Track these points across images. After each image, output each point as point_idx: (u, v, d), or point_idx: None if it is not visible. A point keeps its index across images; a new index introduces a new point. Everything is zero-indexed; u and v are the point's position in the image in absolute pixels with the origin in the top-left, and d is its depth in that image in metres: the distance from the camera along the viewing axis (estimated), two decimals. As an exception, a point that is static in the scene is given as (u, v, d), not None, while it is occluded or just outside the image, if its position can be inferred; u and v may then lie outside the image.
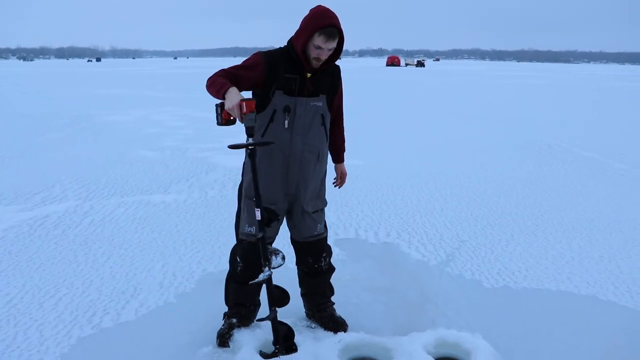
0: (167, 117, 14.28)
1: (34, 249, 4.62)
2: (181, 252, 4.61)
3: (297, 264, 3.32)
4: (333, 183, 3.36)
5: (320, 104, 2.95)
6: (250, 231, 2.99)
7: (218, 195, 6.43)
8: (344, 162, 3.39)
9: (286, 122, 2.87)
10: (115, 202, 6.08)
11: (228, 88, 2.67)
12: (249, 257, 3.05)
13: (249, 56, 2.94)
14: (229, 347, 3.08)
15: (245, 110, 2.60)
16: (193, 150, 9.33)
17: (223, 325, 3.21)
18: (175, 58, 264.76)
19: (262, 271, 2.79)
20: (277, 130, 2.89)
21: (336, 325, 3.28)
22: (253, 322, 3.24)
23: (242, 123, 2.66)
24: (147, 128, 12.13)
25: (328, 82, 2.99)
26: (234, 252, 3.16)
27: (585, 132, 12.21)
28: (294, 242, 3.23)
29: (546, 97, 22.40)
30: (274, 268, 2.79)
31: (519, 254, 4.68)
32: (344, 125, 3.28)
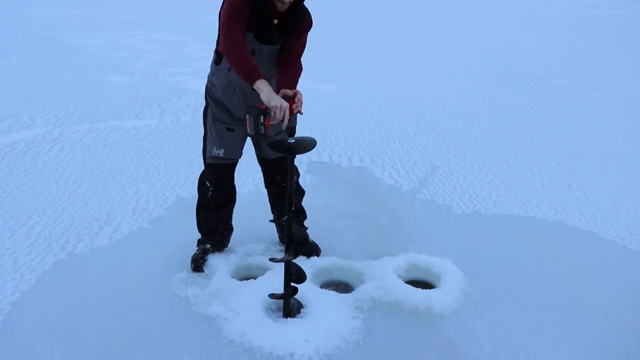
0: (137, 40, 13.79)
1: (2, 176, 4.54)
2: (154, 178, 4.57)
3: (266, 186, 3.29)
4: None
5: (278, 46, 2.82)
6: (218, 154, 2.96)
7: (190, 120, 6.33)
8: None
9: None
10: (86, 128, 5.96)
11: (259, 79, 2.52)
12: (219, 181, 3.07)
13: None
14: (203, 272, 3.12)
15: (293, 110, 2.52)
16: (164, 75, 9.09)
17: (197, 250, 3.25)
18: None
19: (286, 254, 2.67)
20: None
21: (310, 249, 3.33)
22: (227, 246, 3.29)
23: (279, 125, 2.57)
24: (117, 51, 11.72)
25: (292, 26, 2.78)
26: (202, 179, 3.14)
27: (560, 60, 12.18)
28: (261, 161, 3.17)
29: (520, 24, 22.17)
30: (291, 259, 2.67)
31: (490, 180, 4.76)
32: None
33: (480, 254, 3.49)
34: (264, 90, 2.50)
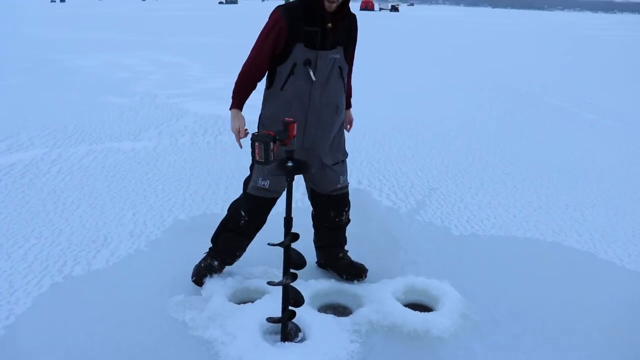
0: (137, 61, 13.89)
1: (0, 198, 4.53)
2: (152, 200, 4.57)
3: (315, 218, 3.29)
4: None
5: (338, 55, 2.87)
6: (263, 185, 2.96)
7: (189, 142, 6.35)
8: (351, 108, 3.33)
9: (307, 75, 2.80)
10: (84, 149, 5.97)
11: (231, 108, 2.89)
12: (255, 212, 3.07)
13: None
14: (201, 286, 3.14)
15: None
16: (163, 96, 9.14)
17: (203, 262, 3.24)
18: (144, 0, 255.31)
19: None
20: (297, 84, 2.82)
21: (358, 271, 3.31)
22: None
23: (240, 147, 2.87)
24: (116, 73, 11.80)
25: (346, 33, 2.91)
26: (236, 206, 3.13)
27: (557, 80, 12.28)
28: (316, 195, 3.17)
29: (520, 44, 22.37)
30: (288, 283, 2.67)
31: (487, 202, 4.77)
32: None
33: (479, 276, 3.48)
34: (232, 115, 2.89)
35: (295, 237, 2.65)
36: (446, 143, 6.61)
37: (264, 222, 3.17)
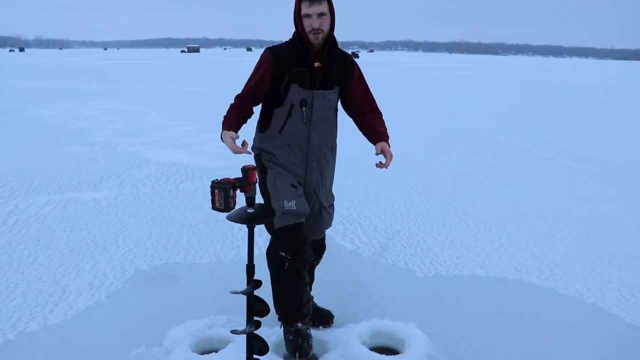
0: (97, 110, 13.80)
1: (-48, 252, 4.38)
2: (112, 250, 4.48)
3: None
4: (376, 164, 3.02)
5: (333, 96, 2.86)
6: (290, 206, 2.73)
7: (150, 190, 6.28)
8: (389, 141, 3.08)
9: (304, 116, 2.78)
10: (42, 200, 5.84)
11: (225, 130, 2.66)
12: (297, 244, 2.78)
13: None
14: (309, 355, 2.87)
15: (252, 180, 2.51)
16: (124, 145, 9.06)
17: (290, 336, 2.88)
18: (106, 49, 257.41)
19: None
20: (295, 125, 2.80)
21: (324, 317, 3.24)
22: (310, 315, 3.01)
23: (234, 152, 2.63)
24: (76, 122, 11.68)
25: (340, 73, 2.88)
26: (272, 252, 2.86)
27: (514, 122, 12.67)
28: None
29: (476, 88, 23.08)
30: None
31: (450, 242, 4.82)
32: (382, 110, 3.17)
33: (444, 316, 3.48)
34: (221, 136, 2.65)
35: (258, 284, 2.63)
36: (408, 186, 6.70)
37: (304, 251, 2.82)
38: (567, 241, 4.89)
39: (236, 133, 2.65)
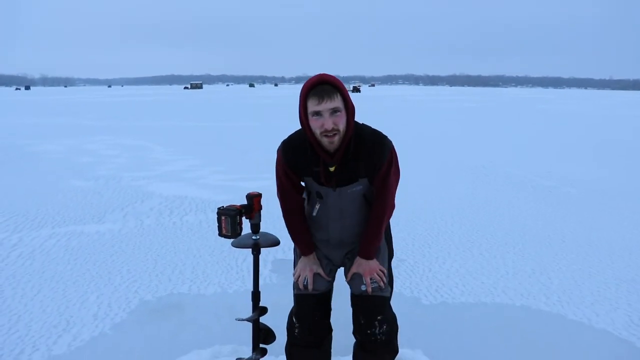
0: (101, 145, 13.90)
1: (-44, 285, 4.36)
2: (116, 282, 4.46)
3: (353, 332, 2.67)
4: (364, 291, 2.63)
5: (357, 188, 2.51)
6: (304, 282, 2.67)
7: (154, 223, 6.28)
8: (371, 260, 2.66)
9: (317, 208, 2.57)
10: (46, 233, 5.84)
11: (301, 256, 2.65)
12: (303, 314, 2.64)
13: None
14: None
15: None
16: (128, 179, 9.10)
17: None
18: (109, 86, 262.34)
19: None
20: (320, 212, 2.60)
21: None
22: None
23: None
24: (80, 157, 11.76)
25: (364, 166, 2.44)
26: (290, 316, 2.72)
27: (517, 152, 12.71)
28: (351, 297, 2.69)
29: (478, 120, 23.23)
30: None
31: (455, 270, 4.80)
32: (388, 208, 2.64)
33: (451, 344, 3.45)
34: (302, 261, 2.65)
35: (264, 310, 2.62)
36: (411, 216, 6.69)
37: (320, 328, 2.69)
38: (573, 267, 4.86)
39: (312, 251, 2.66)
